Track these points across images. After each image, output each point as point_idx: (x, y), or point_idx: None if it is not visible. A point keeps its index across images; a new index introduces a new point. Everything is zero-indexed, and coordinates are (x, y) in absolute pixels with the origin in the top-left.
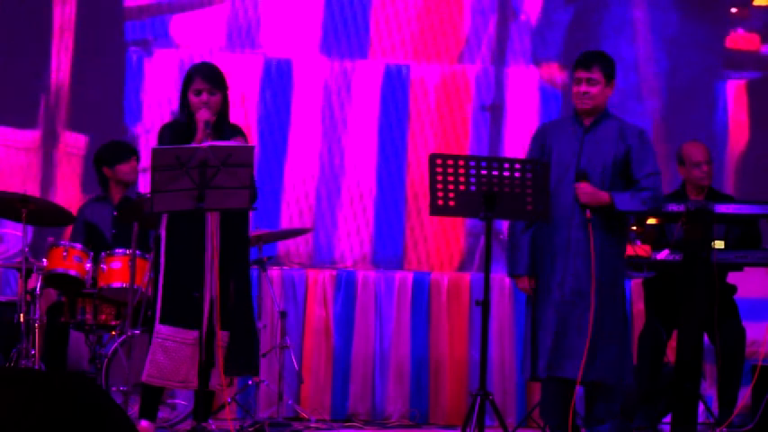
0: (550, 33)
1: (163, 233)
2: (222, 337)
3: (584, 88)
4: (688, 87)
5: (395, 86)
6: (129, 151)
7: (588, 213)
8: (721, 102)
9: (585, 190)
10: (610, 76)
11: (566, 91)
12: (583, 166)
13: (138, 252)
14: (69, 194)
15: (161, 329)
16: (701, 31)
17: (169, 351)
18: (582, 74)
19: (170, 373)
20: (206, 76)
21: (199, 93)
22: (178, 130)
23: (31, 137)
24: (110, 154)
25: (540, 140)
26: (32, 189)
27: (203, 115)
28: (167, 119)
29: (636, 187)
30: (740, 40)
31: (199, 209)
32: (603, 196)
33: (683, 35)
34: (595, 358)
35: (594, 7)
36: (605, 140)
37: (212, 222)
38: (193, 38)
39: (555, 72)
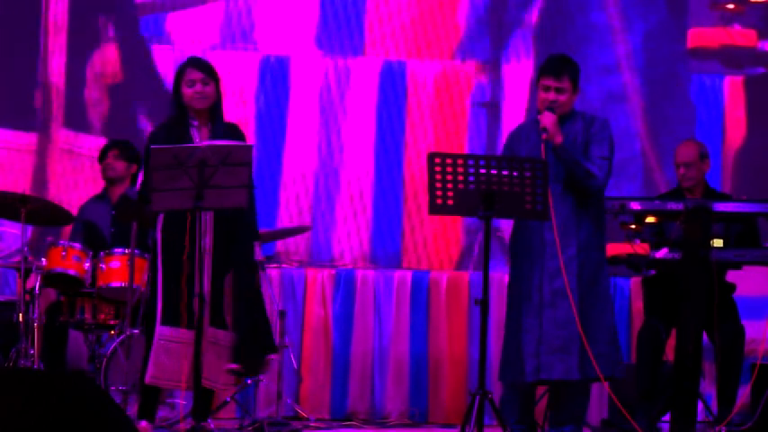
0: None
1: (159, 235)
2: (215, 334)
3: (552, 96)
4: (664, 84)
5: (392, 83)
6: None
7: (544, 135)
8: (692, 95)
9: (550, 116)
10: (577, 82)
11: None
12: (553, 172)
13: (136, 251)
14: (70, 193)
15: (162, 331)
16: (668, 26)
17: (171, 352)
18: (551, 82)
19: (173, 374)
20: (198, 66)
21: (192, 83)
22: (170, 131)
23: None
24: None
25: (509, 149)
26: (28, 188)
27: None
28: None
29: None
30: (737, 36)
31: (197, 208)
32: (559, 136)
33: (653, 32)
34: (583, 356)
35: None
36: (571, 144)
37: (203, 221)
38: (189, 35)
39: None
